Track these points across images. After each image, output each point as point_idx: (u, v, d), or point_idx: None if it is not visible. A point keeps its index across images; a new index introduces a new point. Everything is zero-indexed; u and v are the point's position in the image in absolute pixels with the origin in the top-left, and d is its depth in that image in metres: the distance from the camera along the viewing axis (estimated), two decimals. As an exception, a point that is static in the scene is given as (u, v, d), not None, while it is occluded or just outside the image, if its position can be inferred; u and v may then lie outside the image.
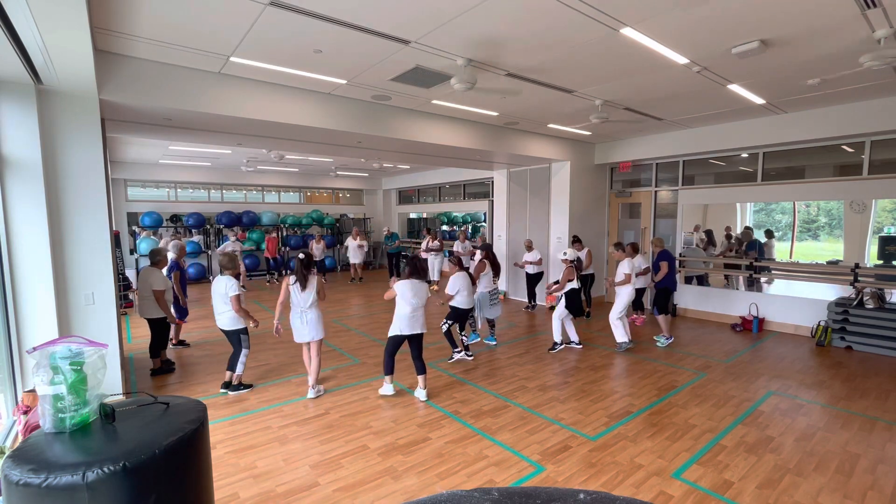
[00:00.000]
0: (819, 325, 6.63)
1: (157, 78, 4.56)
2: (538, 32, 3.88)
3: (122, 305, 7.82)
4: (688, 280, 8.53)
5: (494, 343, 6.55)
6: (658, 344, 6.50)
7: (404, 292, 4.45)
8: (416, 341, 4.59)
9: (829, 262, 6.94)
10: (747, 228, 7.93)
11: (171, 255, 6.24)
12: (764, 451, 3.56)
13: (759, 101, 5.94)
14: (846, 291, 6.66)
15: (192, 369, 5.54)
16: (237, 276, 4.80)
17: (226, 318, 4.67)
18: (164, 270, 5.80)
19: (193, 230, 12.92)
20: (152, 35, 3.91)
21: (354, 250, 12.76)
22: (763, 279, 7.70)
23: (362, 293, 11.07)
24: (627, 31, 3.85)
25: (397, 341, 4.57)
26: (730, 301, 7.91)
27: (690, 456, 3.50)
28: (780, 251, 7.61)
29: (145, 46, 4.16)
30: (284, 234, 14.28)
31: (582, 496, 0.79)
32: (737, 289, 7.98)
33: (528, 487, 0.82)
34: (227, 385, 4.80)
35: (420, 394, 4.60)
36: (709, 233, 8.41)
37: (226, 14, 3.54)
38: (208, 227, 13.09)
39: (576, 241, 8.14)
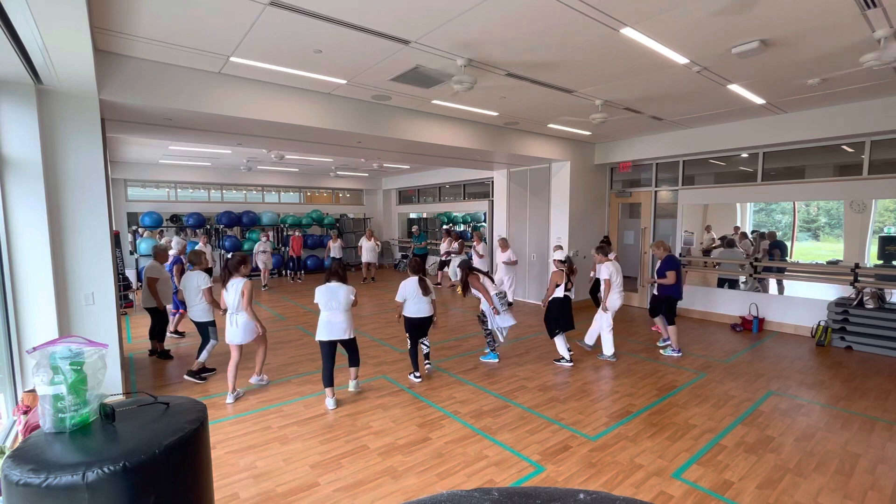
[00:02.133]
0: (819, 325, 6.63)
1: (158, 78, 4.56)
2: (538, 32, 3.88)
3: (122, 305, 7.83)
4: (720, 283, 8.17)
5: (496, 360, 5.81)
6: (663, 352, 6.11)
7: (318, 297, 4.37)
8: (346, 346, 4.51)
9: (829, 262, 6.94)
10: (771, 232, 7.71)
11: (173, 252, 6.67)
12: (764, 451, 3.56)
13: (759, 101, 5.94)
14: (846, 291, 6.66)
15: (192, 369, 5.55)
16: (207, 271, 5.31)
17: (197, 310, 5.13)
18: (167, 266, 6.36)
19: (197, 229, 12.97)
20: (152, 35, 3.91)
21: (370, 250, 12.67)
22: (784, 280, 7.52)
23: (373, 293, 11.03)
24: (627, 31, 3.85)
25: (325, 349, 4.40)
26: (730, 301, 7.90)
27: (690, 456, 3.50)
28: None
29: (145, 46, 4.16)
30: (285, 233, 14.28)
31: (582, 496, 0.79)
32: (747, 289, 7.98)
33: (528, 487, 0.82)
34: (192, 373, 5.21)
35: (351, 385, 4.72)
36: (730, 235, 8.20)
37: (226, 14, 3.54)
38: (208, 226, 13.14)
39: (607, 243, 7.52)
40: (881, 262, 6.38)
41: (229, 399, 4.58)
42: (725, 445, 3.66)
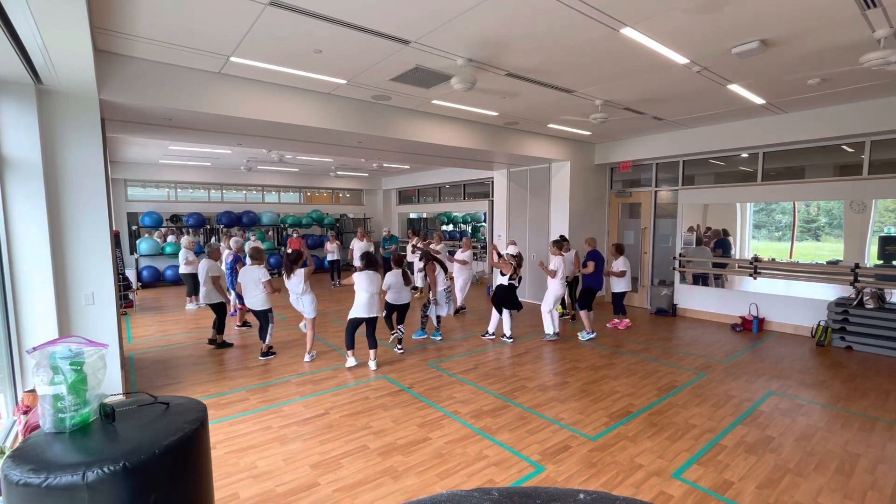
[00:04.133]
0: (819, 325, 6.63)
1: (157, 78, 4.56)
2: (538, 32, 3.88)
3: (122, 305, 7.83)
4: (694, 280, 8.52)
5: (440, 339, 6.83)
6: (580, 338, 6.81)
7: (361, 282, 5.33)
8: (370, 323, 5.49)
9: (829, 262, 6.94)
10: (716, 230, 8.34)
11: (231, 250, 7.53)
12: (764, 451, 3.56)
13: (759, 101, 5.94)
14: (846, 291, 6.66)
15: (193, 369, 5.55)
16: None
17: (258, 300, 5.75)
18: (227, 263, 7.35)
19: (196, 228, 12.97)
20: (152, 35, 3.92)
21: (362, 251, 12.47)
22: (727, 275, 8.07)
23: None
24: (627, 31, 3.85)
25: (355, 323, 5.47)
26: (730, 301, 7.90)
27: (690, 456, 3.50)
28: (763, 250, 7.67)
29: (145, 46, 4.16)
30: (284, 234, 14.29)
31: (582, 496, 0.79)
32: (740, 289, 7.98)
33: (528, 487, 0.82)
34: (263, 353, 5.98)
35: (371, 364, 5.51)
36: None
37: (226, 14, 3.55)
38: (209, 226, 13.15)
39: (564, 240, 7.71)
40: (881, 262, 6.38)
41: (307, 359, 5.79)
42: (725, 445, 3.66)
